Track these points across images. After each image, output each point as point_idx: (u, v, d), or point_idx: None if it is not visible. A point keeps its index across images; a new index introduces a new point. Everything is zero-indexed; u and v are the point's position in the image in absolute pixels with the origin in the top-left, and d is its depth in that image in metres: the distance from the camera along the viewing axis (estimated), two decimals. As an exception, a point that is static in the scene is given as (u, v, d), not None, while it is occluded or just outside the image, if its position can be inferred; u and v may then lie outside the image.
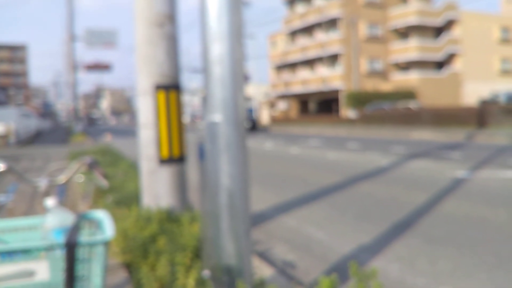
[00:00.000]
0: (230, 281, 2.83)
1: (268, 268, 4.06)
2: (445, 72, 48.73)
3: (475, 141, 18.86)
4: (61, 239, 1.72)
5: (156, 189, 4.82)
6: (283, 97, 57.82)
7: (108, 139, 27.46)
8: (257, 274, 3.59)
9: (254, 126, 38.29)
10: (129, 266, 3.88)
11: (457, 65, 49.32)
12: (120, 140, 26.81)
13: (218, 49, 2.78)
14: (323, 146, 18.26)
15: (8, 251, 1.63)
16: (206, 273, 2.95)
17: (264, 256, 4.61)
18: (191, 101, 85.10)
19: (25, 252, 1.65)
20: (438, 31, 50.35)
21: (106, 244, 1.73)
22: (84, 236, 1.80)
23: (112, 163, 9.77)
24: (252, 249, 3.37)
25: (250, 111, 38.61)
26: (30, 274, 1.66)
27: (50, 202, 2.06)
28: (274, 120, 51.17)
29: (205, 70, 2.84)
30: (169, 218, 4.49)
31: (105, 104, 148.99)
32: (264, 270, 3.95)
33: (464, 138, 19.90)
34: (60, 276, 1.68)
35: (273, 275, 3.89)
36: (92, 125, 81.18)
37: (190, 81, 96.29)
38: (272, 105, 58.29)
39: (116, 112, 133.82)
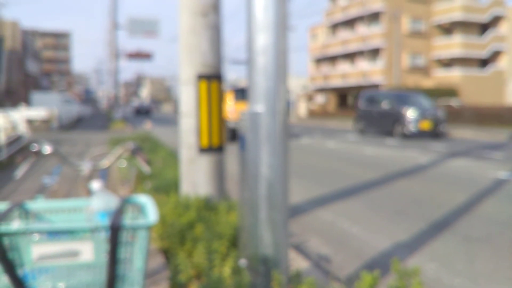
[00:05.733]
0: (266, 271, 2.84)
1: (303, 260, 4.07)
2: (489, 70, 47.51)
3: (518, 141, 18.35)
4: (106, 221, 1.75)
5: (195, 177, 4.87)
6: (322, 90, 57.42)
7: (148, 126, 27.82)
8: (293, 266, 3.60)
9: None
10: (166, 252, 3.95)
11: (501, 63, 48.01)
12: (159, 128, 27.13)
13: (263, 39, 2.78)
14: (361, 141, 18.07)
15: (55, 231, 1.68)
16: (242, 262, 2.97)
17: (300, 249, 4.61)
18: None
19: (71, 233, 1.69)
20: (483, 27, 49.05)
21: (149, 228, 1.75)
22: (128, 220, 1.83)
23: (152, 150, 9.91)
24: (289, 240, 3.37)
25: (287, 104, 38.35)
26: (75, 254, 1.70)
27: (95, 185, 2.10)
28: (312, 114, 50.86)
29: (249, 60, 2.85)
30: (207, 206, 4.54)
31: (145, 92, 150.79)
32: (300, 263, 3.95)
33: (507, 138, 19.39)
34: (104, 258, 1.72)
35: (308, 268, 3.89)
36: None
37: (230, 72, 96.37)
38: (310, 98, 57.95)
39: (155, 101, 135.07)
